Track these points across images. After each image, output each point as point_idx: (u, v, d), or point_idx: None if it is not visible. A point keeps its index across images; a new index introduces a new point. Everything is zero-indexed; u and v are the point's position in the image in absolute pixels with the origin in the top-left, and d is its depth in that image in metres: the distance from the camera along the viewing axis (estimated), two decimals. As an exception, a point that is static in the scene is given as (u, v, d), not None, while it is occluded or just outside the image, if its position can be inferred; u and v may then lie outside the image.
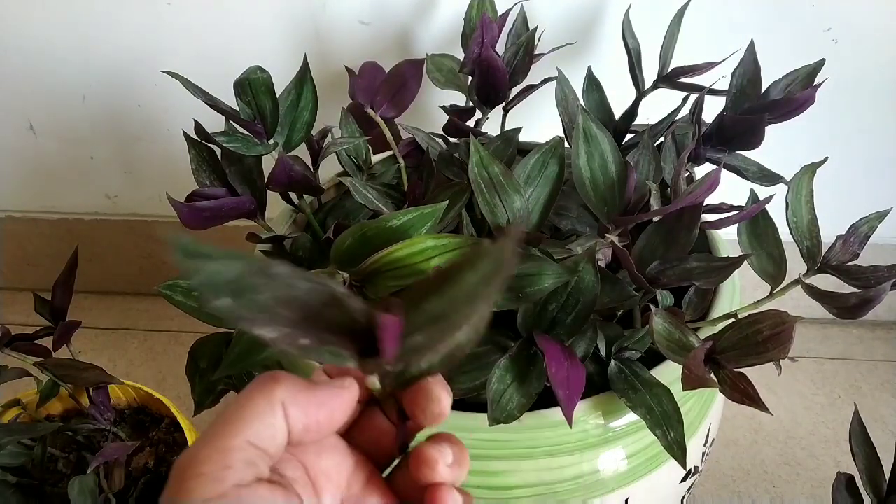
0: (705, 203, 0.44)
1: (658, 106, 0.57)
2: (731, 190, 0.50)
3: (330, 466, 0.26)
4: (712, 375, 0.40)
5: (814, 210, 0.47)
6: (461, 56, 0.55)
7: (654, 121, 0.55)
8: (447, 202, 0.44)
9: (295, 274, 0.21)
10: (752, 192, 0.49)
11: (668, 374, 0.43)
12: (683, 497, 0.50)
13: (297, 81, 0.49)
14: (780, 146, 0.56)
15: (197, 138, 0.47)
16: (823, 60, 0.50)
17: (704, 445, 0.49)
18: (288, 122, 0.48)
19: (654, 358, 0.44)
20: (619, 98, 0.57)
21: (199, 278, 0.19)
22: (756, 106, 0.48)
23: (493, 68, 0.50)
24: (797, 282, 0.46)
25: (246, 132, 0.47)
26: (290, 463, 0.25)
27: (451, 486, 0.25)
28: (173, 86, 0.46)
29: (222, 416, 0.23)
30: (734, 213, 0.45)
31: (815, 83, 0.49)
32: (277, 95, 0.46)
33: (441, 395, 0.25)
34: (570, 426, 0.38)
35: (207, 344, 0.45)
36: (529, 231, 0.45)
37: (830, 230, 0.47)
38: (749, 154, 0.50)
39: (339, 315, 0.22)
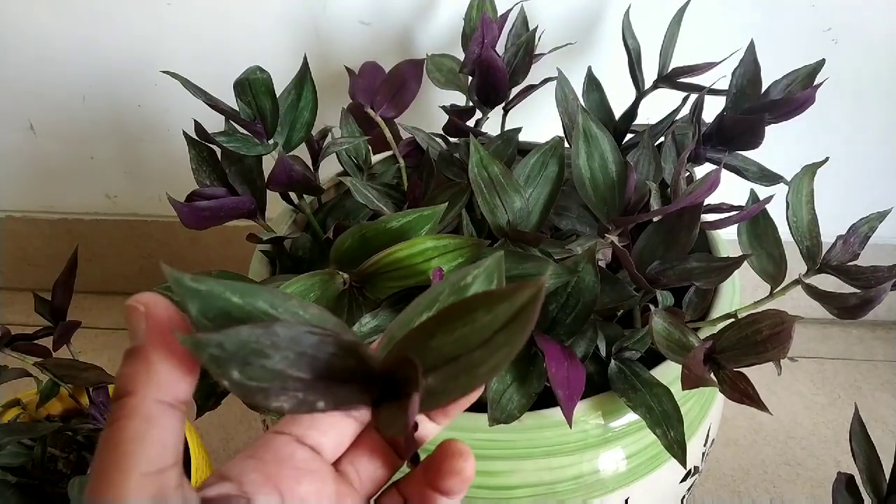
0: (705, 203, 0.44)
1: (658, 106, 0.57)
2: (731, 190, 0.50)
3: (309, 492, 0.24)
4: (712, 375, 0.40)
5: (814, 210, 0.47)
6: (461, 56, 0.55)
7: (654, 121, 0.55)
8: (447, 204, 0.44)
9: (300, 328, 0.21)
10: (752, 192, 0.49)
11: (668, 373, 0.43)
12: (683, 497, 0.50)
13: (297, 81, 0.49)
14: (780, 146, 0.56)
15: (197, 138, 0.47)
16: (823, 60, 0.50)
17: (704, 445, 0.49)
18: (288, 122, 0.48)
19: (654, 358, 0.44)
20: (619, 98, 0.57)
21: (205, 353, 0.19)
22: (756, 106, 0.48)
23: (493, 68, 0.50)
24: (797, 282, 0.46)
25: (246, 132, 0.47)
26: (264, 488, 0.23)
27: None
28: (173, 86, 0.46)
29: (104, 450, 0.20)
30: (734, 213, 0.45)
31: (815, 83, 0.49)
32: (277, 95, 0.46)
33: (468, 454, 0.24)
34: (570, 426, 0.38)
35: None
36: (529, 231, 0.45)
37: (830, 230, 0.47)
38: (749, 154, 0.50)
39: (350, 364, 0.22)
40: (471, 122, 0.56)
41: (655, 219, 0.46)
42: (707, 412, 0.48)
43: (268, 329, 0.20)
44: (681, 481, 0.47)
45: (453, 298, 0.24)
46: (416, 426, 0.25)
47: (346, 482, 0.25)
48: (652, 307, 0.43)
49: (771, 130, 0.47)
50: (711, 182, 0.42)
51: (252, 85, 0.45)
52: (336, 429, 0.25)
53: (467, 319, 0.21)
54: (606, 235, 0.44)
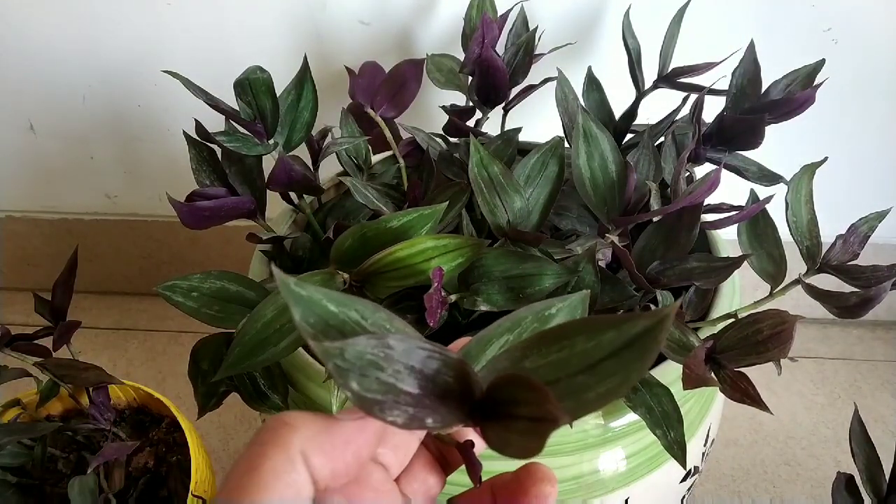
0: (705, 203, 0.44)
1: (658, 106, 0.57)
2: (731, 190, 0.50)
3: None
4: (712, 375, 0.40)
5: (814, 210, 0.47)
6: (461, 56, 0.55)
7: (654, 121, 0.55)
8: (447, 203, 0.44)
9: (413, 342, 0.21)
10: (752, 192, 0.50)
11: (668, 373, 0.43)
12: (683, 497, 0.50)
13: (297, 81, 0.49)
14: (780, 146, 0.56)
15: (197, 138, 0.47)
16: (823, 60, 0.50)
17: (704, 445, 0.49)
18: (288, 122, 0.48)
19: (654, 358, 0.44)
20: (619, 98, 0.57)
21: (330, 363, 0.19)
22: (756, 106, 0.48)
23: (493, 68, 0.50)
24: (797, 282, 0.46)
25: (246, 132, 0.47)
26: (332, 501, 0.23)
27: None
28: (173, 86, 0.46)
29: (235, 477, 0.20)
30: (734, 213, 0.45)
31: (815, 83, 0.49)
32: (277, 95, 0.46)
33: (555, 480, 0.24)
34: (570, 426, 0.38)
35: (208, 345, 0.45)
36: (529, 231, 0.45)
37: (830, 230, 0.47)
38: (749, 154, 0.50)
39: (451, 382, 0.21)
40: (471, 122, 0.56)
41: (655, 219, 0.46)
42: (707, 412, 0.48)
43: (382, 340, 0.20)
44: (681, 481, 0.47)
45: (536, 325, 0.25)
46: (472, 443, 0.25)
47: (408, 500, 0.26)
48: (652, 307, 0.43)
49: (771, 130, 0.47)
50: (711, 182, 0.42)
51: (252, 85, 0.45)
52: (403, 446, 0.25)
53: (564, 345, 0.20)
54: (606, 235, 0.44)
